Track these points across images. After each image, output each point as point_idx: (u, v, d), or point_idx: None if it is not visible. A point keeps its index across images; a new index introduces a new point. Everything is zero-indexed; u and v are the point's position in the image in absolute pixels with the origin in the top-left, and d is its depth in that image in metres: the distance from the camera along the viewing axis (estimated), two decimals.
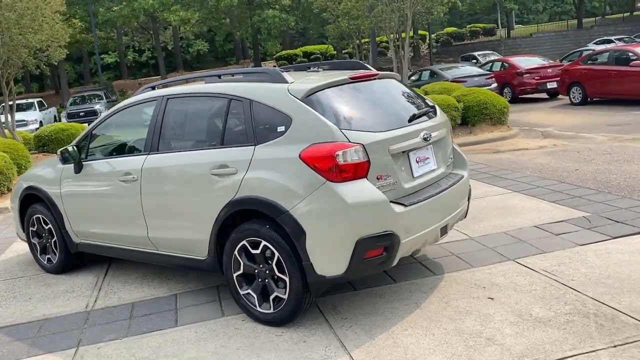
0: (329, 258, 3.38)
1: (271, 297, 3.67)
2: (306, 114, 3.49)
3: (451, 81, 16.04)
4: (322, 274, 3.40)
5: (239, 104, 3.81)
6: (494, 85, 16.99)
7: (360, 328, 3.58)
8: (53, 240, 5.24)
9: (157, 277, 4.91)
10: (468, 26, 48.94)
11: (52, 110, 27.74)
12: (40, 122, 23.90)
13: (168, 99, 4.29)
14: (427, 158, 3.93)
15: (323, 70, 4.59)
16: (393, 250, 3.45)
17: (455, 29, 49.11)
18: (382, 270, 3.66)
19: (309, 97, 3.56)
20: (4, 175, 9.78)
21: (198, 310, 4.14)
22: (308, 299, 3.60)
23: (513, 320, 3.48)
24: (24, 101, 26.91)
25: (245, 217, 3.69)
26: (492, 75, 17.61)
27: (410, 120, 3.85)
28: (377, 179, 3.46)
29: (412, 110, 3.97)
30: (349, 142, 3.38)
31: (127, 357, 3.55)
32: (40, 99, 28.42)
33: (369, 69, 4.45)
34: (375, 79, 4.08)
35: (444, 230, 3.91)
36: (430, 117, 4.06)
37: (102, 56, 54.96)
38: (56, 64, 15.97)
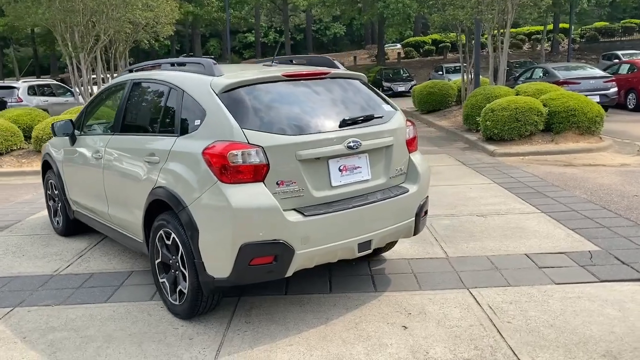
0: (215, 259, 3.30)
1: (177, 289, 3.68)
2: (217, 110, 3.41)
3: (561, 82, 14.71)
4: (211, 274, 3.33)
5: (175, 93, 3.83)
6: (613, 90, 15.26)
7: (251, 336, 3.47)
8: (60, 205, 5.69)
9: (135, 252, 5.11)
10: (622, 22, 44.17)
11: None
12: None
13: (133, 83, 4.43)
14: (358, 167, 3.66)
15: (291, 64, 4.47)
16: (284, 260, 3.28)
17: (606, 23, 44.61)
18: (278, 279, 3.48)
19: (226, 93, 3.47)
20: None
21: (136, 290, 4.27)
22: (205, 298, 3.55)
23: (403, 356, 3.16)
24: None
25: (165, 206, 3.72)
26: (613, 78, 15.78)
27: (341, 126, 3.60)
28: (277, 184, 3.30)
29: (347, 115, 3.70)
30: (247, 143, 3.25)
31: (41, 324, 3.77)
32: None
33: (334, 67, 4.23)
34: (322, 78, 3.87)
35: (365, 246, 3.63)
36: (372, 124, 3.76)
37: (246, 35, 57.91)
38: (161, 40, 16.97)
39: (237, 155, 3.21)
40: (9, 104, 15.47)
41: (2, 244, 5.68)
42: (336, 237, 3.45)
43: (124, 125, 4.40)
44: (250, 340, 3.40)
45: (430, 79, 26.39)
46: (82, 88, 14.17)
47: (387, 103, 4.10)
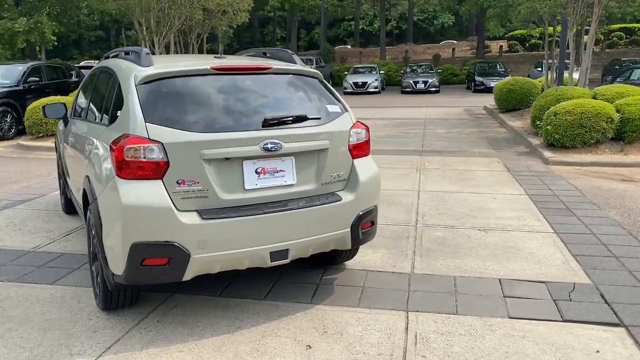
0: (112, 255, 3.24)
1: (97, 280, 3.67)
2: (131, 101, 3.32)
3: None
4: (112, 270, 3.28)
5: (112, 83, 3.81)
6: None
7: (151, 336, 3.38)
8: (61, 183, 5.95)
9: None
10: None
11: None
12: None
13: (99, 70, 4.47)
14: (280, 171, 3.42)
15: (264, 56, 4.30)
16: (179, 263, 3.15)
17: None
18: (175, 281, 3.34)
19: (144, 84, 3.37)
20: None
21: (87, 275, 4.33)
22: (116, 292, 3.51)
23: None
24: None
25: None
26: None
27: (264, 126, 3.37)
28: (178, 183, 3.16)
29: (273, 114, 3.46)
30: (147, 138, 3.14)
31: None
32: None
33: (290, 61, 4.01)
34: (261, 73, 3.65)
35: (280, 256, 3.39)
36: (302, 126, 3.50)
37: (351, 23, 57.85)
38: (232, 26, 17.19)
39: (134, 150, 3.11)
40: None
41: (11, 216, 6.04)
42: (241, 244, 3.25)
43: (86, 111, 4.47)
44: (146, 341, 3.31)
45: (529, 75, 24.85)
46: None
47: (335, 104, 3.80)
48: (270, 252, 3.35)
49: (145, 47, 14.56)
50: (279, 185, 3.42)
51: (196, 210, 3.20)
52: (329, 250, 3.70)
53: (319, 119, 3.60)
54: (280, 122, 3.43)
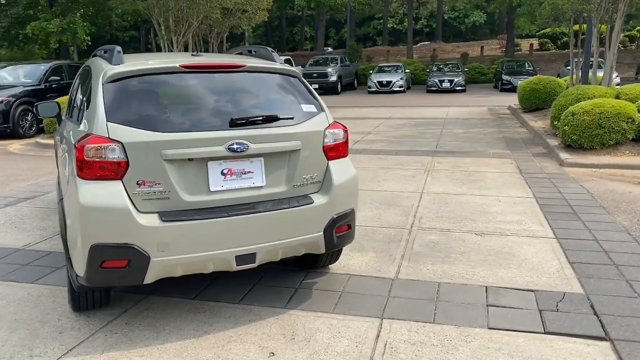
0: (75, 257, 3.20)
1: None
2: (97, 100, 3.27)
3: None
4: (76, 271, 3.24)
5: (89, 81, 3.77)
6: None
7: (115, 339, 3.33)
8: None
9: None
10: None
11: (298, 69, 30.22)
12: None
13: (83, 69, 4.45)
14: (248, 172, 3.33)
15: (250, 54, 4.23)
16: (139, 266, 3.08)
17: None
18: (136, 284, 3.27)
19: (111, 83, 3.32)
20: None
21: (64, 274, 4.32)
22: (83, 293, 3.47)
23: None
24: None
25: None
26: None
27: (231, 126, 3.29)
28: (138, 184, 3.10)
29: (242, 114, 3.37)
30: (107, 138, 3.08)
31: None
32: (289, 57, 31.43)
33: (269, 59, 3.91)
34: (234, 71, 3.57)
35: (246, 260, 3.29)
36: (272, 126, 3.39)
37: (382, 21, 57.49)
38: (251, 26, 17.21)
39: (94, 150, 3.06)
40: None
41: (11, 214, 6.11)
42: (204, 247, 3.16)
43: (70, 109, 4.47)
44: (109, 344, 3.27)
45: (558, 75, 24.21)
46: None
47: (311, 103, 3.68)
48: (236, 256, 3.25)
49: (164, 46, 14.70)
50: (247, 187, 3.33)
51: (157, 212, 3.13)
52: (302, 254, 3.59)
53: (291, 118, 3.49)
54: (248, 122, 3.33)
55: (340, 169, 3.65)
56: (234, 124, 3.29)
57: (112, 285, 3.37)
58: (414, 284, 4.07)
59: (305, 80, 3.87)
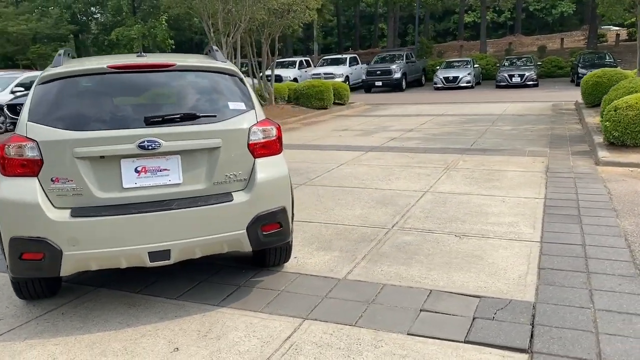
0: (4, 249, 3.39)
1: None
2: (27, 101, 3.46)
3: None
4: (6, 263, 3.44)
5: None
6: None
7: (40, 329, 3.50)
8: None
9: None
10: None
11: (363, 67, 30.15)
12: (347, 76, 26.49)
13: None
14: (164, 170, 3.39)
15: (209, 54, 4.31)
16: (53, 259, 3.22)
17: None
18: (58, 276, 3.39)
19: (42, 84, 3.50)
20: None
21: None
22: (23, 283, 3.67)
23: None
24: (338, 56, 30.36)
25: None
26: None
27: (147, 124, 3.36)
28: (52, 181, 3.25)
29: (159, 112, 3.43)
30: (25, 137, 3.25)
31: None
32: (355, 55, 31.46)
33: (208, 59, 3.96)
34: (165, 70, 3.64)
35: (160, 256, 3.35)
36: (189, 124, 3.43)
37: (456, 16, 55.90)
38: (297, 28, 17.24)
39: (12, 148, 3.23)
40: None
41: None
42: (115, 243, 3.26)
43: None
44: (35, 332, 3.45)
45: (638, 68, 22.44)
46: None
47: (240, 101, 3.68)
48: (149, 252, 3.32)
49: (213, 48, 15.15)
50: (163, 184, 3.39)
51: (71, 208, 3.25)
52: (225, 251, 3.60)
53: (214, 116, 3.51)
54: (165, 120, 3.39)
55: (268, 167, 3.62)
56: (149, 122, 3.36)
57: (33, 277, 3.54)
58: (357, 285, 3.97)
59: (243, 78, 3.88)
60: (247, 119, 3.60)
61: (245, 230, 3.50)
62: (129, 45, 37.92)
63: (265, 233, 3.60)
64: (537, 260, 4.32)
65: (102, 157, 3.28)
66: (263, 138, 3.62)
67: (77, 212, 3.23)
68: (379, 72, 26.94)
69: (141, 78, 3.60)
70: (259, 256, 4.16)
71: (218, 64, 3.84)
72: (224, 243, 3.50)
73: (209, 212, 3.39)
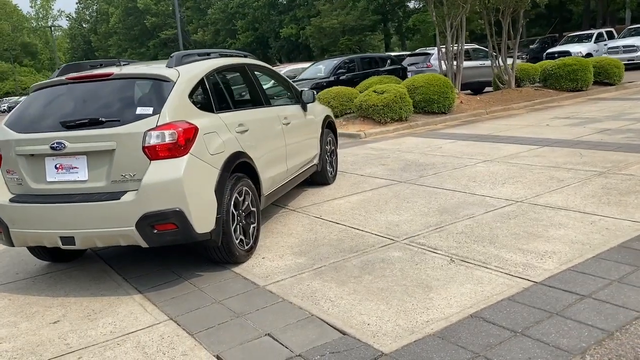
0: None
1: None
2: None
3: None
4: None
5: None
6: None
7: (13, 286, 4.45)
8: None
9: None
10: None
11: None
12: (589, 54, 22.57)
13: None
14: (75, 167, 3.92)
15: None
16: (5, 234, 4.09)
17: None
18: (10, 246, 4.18)
19: (27, 95, 4.40)
20: (389, 108, 11.73)
21: None
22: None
23: None
24: (587, 32, 26.52)
25: None
26: None
27: (67, 127, 3.94)
28: (7, 172, 4.12)
29: (76, 117, 3.94)
30: None
31: None
32: (611, 29, 26.73)
33: (153, 66, 4.34)
34: (105, 80, 4.15)
35: (69, 241, 3.89)
36: (94, 127, 3.85)
37: None
38: None
39: None
40: (419, 69, 17.53)
41: None
42: (37, 226, 3.94)
43: None
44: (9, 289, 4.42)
45: None
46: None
47: (150, 107, 3.90)
48: (60, 237, 3.91)
49: (436, 29, 14.63)
50: (73, 180, 3.92)
51: (17, 194, 4.07)
52: (125, 245, 3.92)
53: (117, 121, 3.85)
54: (77, 125, 3.90)
55: (161, 170, 3.76)
56: (65, 126, 3.92)
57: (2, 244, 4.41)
58: (264, 295, 3.79)
59: (175, 82, 4.06)
60: (146, 124, 3.80)
61: (134, 227, 3.76)
62: (426, 32, 38.79)
63: (159, 232, 3.79)
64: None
65: (32, 154, 3.99)
66: (160, 142, 3.77)
67: (15, 199, 4.04)
68: (623, 48, 22.24)
69: (84, 88, 4.17)
70: (205, 253, 4.33)
71: (151, 71, 4.14)
72: (118, 237, 3.85)
73: (100, 208, 3.78)
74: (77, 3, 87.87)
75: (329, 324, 3.31)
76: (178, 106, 3.98)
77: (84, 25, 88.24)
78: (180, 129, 3.85)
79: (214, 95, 4.48)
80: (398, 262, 4.20)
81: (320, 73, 15.61)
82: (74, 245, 3.94)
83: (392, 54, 23.29)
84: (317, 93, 13.43)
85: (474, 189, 6.14)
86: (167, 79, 4.07)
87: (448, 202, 5.71)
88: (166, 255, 4.78)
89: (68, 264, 4.87)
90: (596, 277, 3.61)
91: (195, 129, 3.95)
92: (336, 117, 12.75)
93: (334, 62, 15.96)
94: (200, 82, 4.37)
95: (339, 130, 11.85)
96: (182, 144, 3.84)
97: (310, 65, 17.55)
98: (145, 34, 70.00)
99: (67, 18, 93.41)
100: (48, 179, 4.00)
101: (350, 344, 3.05)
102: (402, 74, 16.78)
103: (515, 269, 3.87)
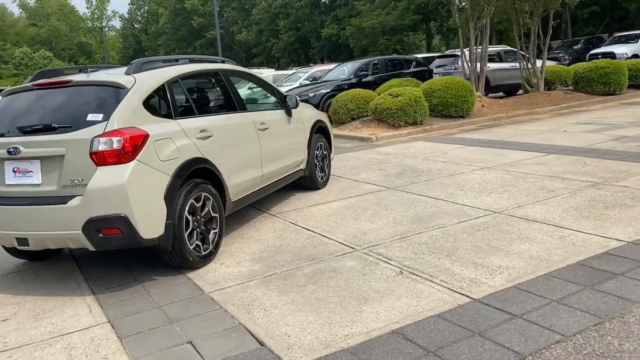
0: None
1: None
2: None
3: None
4: None
5: None
6: None
7: None
8: None
9: None
10: None
11: None
12: (635, 55, 21.49)
13: None
14: (30, 171, 4.06)
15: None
16: None
17: None
18: None
19: (4, 97, 4.59)
20: (403, 112, 11.58)
21: None
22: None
23: None
24: (635, 32, 25.12)
25: None
26: None
27: (22, 133, 4.09)
28: None
29: (32, 123, 4.08)
30: None
31: None
32: None
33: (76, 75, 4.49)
34: (65, 86, 4.29)
35: (23, 242, 4.04)
36: (46, 133, 3.98)
37: None
38: None
39: None
40: (447, 71, 17.23)
41: None
42: None
43: None
44: None
45: None
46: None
47: (100, 113, 4.00)
48: (16, 238, 4.07)
49: (460, 29, 14.32)
50: (29, 183, 4.06)
51: None
52: (75, 247, 4.04)
53: (69, 127, 3.97)
54: (32, 130, 4.04)
55: (106, 176, 3.85)
56: (21, 131, 4.07)
57: None
58: (203, 301, 3.85)
59: (129, 89, 4.15)
60: (95, 130, 3.91)
61: (81, 231, 3.87)
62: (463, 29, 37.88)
63: (105, 236, 3.89)
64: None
65: None
66: (107, 148, 3.86)
67: None
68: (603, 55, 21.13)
69: (45, 94, 4.31)
70: (160, 257, 4.40)
71: (107, 78, 4.25)
72: (67, 240, 3.97)
73: (50, 211, 3.91)
74: (129, 4, 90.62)
75: (252, 334, 3.32)
76: (129, 113, 4.06)
77: (136, 26, 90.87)
78: (127, 135, 3.93)
79: (174, 102, 4.54)
80: (347, 271, 4.16)
81: (343, 75, 15.56)
82: (28, 246, 4.09)
83: (419, 55, 22.93)
84: (337, 95, 13.46)
85: (457, 198, 6.00)
86: (122, 85, 4.17)
87: (425, 211, 5.61)
88: (132, 257, 4.88)
89: (42, 263, 5.04)
90: (537, 296, 3.47)
91: (145, 136, 4.02)
92: (353, 119, 12.73)
93: (357, 63, 15.87)
94: (160, 89, 4.44)
95: (351, 134, 11.93)
96: (129, 150, 3.91)
97: (335, 67, 17.50)
98: (193, 34, 71.47)
99: (120, 18, 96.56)
100: (7, 182, 4.16)
101: (262, 355, 3.06)
102: (427, 76, 16.50)
103: (459, 284, 3.77)
